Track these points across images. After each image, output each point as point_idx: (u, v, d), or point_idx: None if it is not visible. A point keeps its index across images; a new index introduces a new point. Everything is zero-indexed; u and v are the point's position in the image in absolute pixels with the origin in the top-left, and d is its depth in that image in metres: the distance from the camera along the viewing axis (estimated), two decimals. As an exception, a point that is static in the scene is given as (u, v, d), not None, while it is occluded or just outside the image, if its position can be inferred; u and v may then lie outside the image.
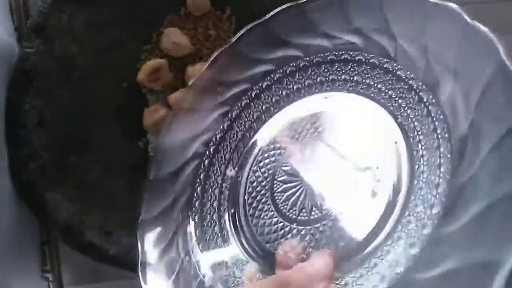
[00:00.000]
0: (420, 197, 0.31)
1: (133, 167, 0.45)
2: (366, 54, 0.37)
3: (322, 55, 0.39)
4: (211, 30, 0.46)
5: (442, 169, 0.30)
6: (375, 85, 0.36)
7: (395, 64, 0.35)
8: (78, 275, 0.46)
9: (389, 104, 0.35)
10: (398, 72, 0.35)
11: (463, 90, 0.30)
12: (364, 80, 0.37)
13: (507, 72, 0.27)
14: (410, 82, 0.34)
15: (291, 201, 0.36)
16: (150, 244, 0.39)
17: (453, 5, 0.31)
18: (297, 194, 0.36)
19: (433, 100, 0.32)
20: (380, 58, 0.36)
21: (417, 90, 0.33)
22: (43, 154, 0.42)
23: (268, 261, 0.36)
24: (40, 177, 0.42)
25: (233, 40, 0.42)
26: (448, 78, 0.31)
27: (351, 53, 0.37)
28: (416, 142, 0.33)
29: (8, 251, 0.40)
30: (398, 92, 0.35)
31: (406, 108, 0.34)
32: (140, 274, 0.37)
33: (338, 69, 0.38)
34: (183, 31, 0.45)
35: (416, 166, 0.32)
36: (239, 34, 0.41)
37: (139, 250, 0.38)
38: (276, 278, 0.29)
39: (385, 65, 0.36)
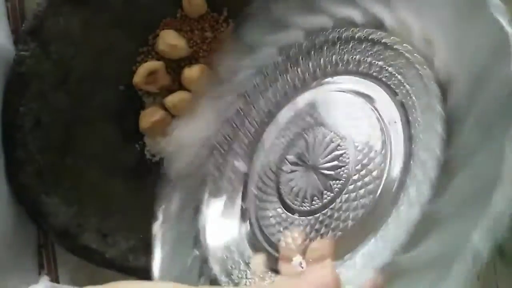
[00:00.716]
0: (414, 178, 0.31)
1: (130, 170, 0.45)
2: (365, 30, 0.37)
3: (324, 33, 0.39)
4: (208, 32, 0.46)
5: (434, 146, 0.30)
6: (376, 62, 0.36)
7: (392, 38, 0.35)
8: (74, 277, 0.45)
9: (390, 82, 0.35)
10: (396, 46, 0.35)
11: (460, 62, 0.30)
12: (365, 59, 0.37)
13: (507, 40, 0.27)
14: (407, 55, 0.34)
15: (293, 190, 0.37)
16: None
17: None
18: (299, 183, 0.37)
19: (430, 73, 0.32)
20: (379, 33, 0.36)
21: (415, 64, 0.34)
22: (40, 157, 0.42)
23: (272, 254, 0.36)
24: (37, 180, 0.42)
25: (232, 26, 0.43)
26: (444, 46, 0.31)
27: (352, 29, 0.38)
28: (414, 119, 0.33)
29: (5, 253, 0.40)
30: (397, 67, 0.35)
31: (405, 84, 0.34)
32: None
33: (340, 49, 0.38)
34: (179, 33, 0.45)
35: (413, 146, 0.32)
36: (239, 18, 0.42)
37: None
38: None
39: (383, 40, 0.36)
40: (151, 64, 0.44)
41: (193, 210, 0.41)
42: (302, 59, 0.40)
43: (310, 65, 0.40)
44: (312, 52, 0.40)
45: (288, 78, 0.41)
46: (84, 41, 0.43)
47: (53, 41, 0.42)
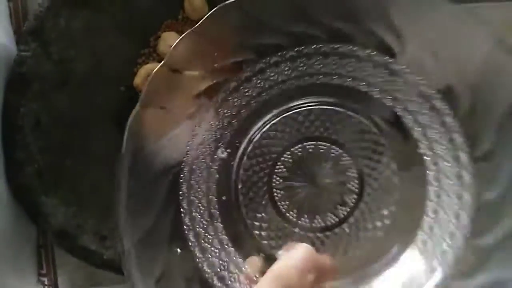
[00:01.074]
0: (439, 223, 0.30)
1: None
2: (399, 65, 0.34)
3: (347, 46, 0.34)
4: (209, 34, 0.45)
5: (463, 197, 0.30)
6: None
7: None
8: (73, 279, 0.45)
9: (407, 121, 0.34)
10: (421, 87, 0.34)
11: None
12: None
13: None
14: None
15: (291, 201, 0.33)
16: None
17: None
18: (298, 195, 0.33)
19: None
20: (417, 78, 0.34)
21: (437, 108, 0.33)
22: (39, 157, 0.42)
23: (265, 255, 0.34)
24: (36, 180, 0.42)
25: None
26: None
27: (387, 58, 0.34)
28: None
29: (4, 253, 0.40)
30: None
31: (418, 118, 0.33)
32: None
33: (360, 67, 0.35)
34: (180, 35, 0.45)
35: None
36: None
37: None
38: (270, 278, 0.28)
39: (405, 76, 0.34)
40: (152, 66, 0.44)
41: (166, 196, 0.36)
42: (316, 58, 0.35)
43: (322, 69, 0.36)
44: (330, 57, 0.35)
45: (292, 74, 0.36)
46: (85, 42, 0.43)
47: (54, 42, 0.42)
